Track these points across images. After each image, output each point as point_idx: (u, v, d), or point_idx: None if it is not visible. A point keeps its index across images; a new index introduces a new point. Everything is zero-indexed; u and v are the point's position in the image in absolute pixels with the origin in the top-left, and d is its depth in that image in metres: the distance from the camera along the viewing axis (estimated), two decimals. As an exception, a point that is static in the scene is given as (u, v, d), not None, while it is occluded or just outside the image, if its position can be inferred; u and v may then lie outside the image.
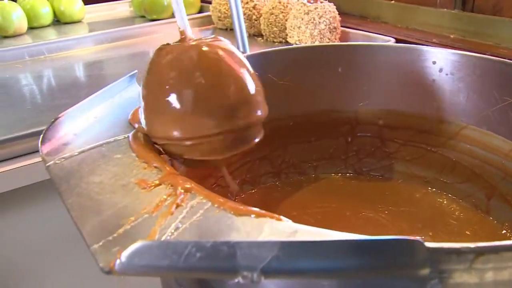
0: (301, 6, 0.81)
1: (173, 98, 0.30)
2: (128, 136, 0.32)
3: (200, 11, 1.21)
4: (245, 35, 0.75)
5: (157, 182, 0.26)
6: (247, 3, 0.95)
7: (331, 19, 0.80)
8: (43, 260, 0.63)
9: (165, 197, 0.25)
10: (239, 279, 0.18)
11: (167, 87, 0.30)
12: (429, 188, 0.49)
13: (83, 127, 0.33)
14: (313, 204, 0.48)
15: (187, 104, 0.30)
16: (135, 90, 0.40)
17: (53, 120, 0.33)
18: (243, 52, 0.60)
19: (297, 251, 0.18)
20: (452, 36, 0.79)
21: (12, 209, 0.59)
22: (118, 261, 0.20)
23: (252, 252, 0.18)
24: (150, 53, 0.93)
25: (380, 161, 0.52)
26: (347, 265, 0.18)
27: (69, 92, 0.73)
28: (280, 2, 0.88)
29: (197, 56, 0.30)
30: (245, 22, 0.80)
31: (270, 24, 0.89)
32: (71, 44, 0.97)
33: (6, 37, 1.06)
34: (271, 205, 0.48)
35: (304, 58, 0.49)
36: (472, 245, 0.18)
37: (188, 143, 0.30)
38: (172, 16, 1.15)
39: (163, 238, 0.21)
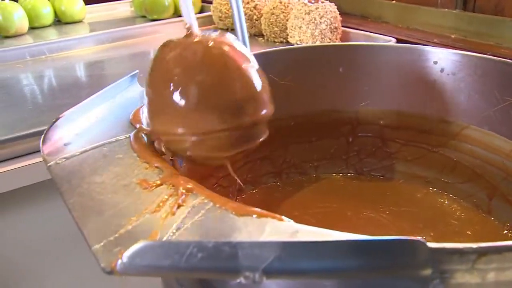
0: (302, 6, 0.81)
1: (177, 94, 0.29)
2: (130, 136, 0.32)
3: (201, 11, 1.21)
4: (246, 35, 0.75)
5: (158, 182, 0.26)
6: (248, 3, 0.95)
7: (332, 19, 0.80)
8: (43, 260, 0.63)
9: (166, 197, 0.25)
10: (241, 280, 0.18)
11: (171, 82, 0.30)
12: (430, 188, 0.49)
13: (84, 127, 0.33)
14: (314, 204, 0.48)
15: (191, 100, 0.29)
16: (136, 90, 0.40)
17: (54, 120, 0.33)
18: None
19: (299, 251, 0.18)
20: (453, 36, 0.79)
21: (13, 209, 0.59)
22: (119, 261, 0.20)
23: (254, 252, 0.18)
24: (151, 53, 0.94)
25: (381, 161, 0.52)
26: (349, 265, 0.18)
27: (70, 92, 0.73)
28: (281, 2, 0.88)
29: (202, 51, 0.30)
30: (246, 22, 0.80)
31: (271, 24, 0.89)
32: (72, 44, 0.97)
33: (7, 37, 1.06)
34: (272, 205, 0.48)
35: (305, 58, 0.49)
36: (474, 245, 0.18)
37: (192, 139, 0.30)
38: (173, 16, 1.15)
39: (164, 238, 0.21)
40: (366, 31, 0.88)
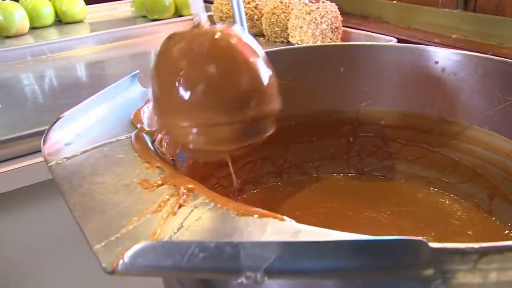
0: (303, 6, 0.81)
1: (182, 85, 0.29)
2: (130, 136, 0.32)
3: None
4: (247, 35, 0.75)
5: (159, 182, 0.26)
6: (248, 3, 0.95)
7: (333, 19, 0.80)
8: (44, 260, 0.63)
9: (167, 197, 0.25)
10: (242, 280, 0.18)
11: (177, 73, 0.29)
12: (431, 188, 0.49)
13: (85, 127, 0.33)
14: (315, 204, 0.48)
15: (196, 92, 0.29)
16: (137, 90, 0.40)
17: (55, 120, 0.33)
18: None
19: (300, 251, 0.18)
20: (454, 36, 0.79)
21: (13, 209, 0.59)
22: (121, 261, 0.20)
23: (256, 252, 0.18)
24: (152, 53, 0.94)
25: (382, 161, 0.52)
26: (350, 265, 0.18)
27: (71, 92, 0.73)
28: (281, 2, 0.88)
29: (209, 43, 0.29)
30: (246, 22, 0.80)
31: (272, 24, 0.89)
32: (73, 44, 0.97)
33: (8, 37, 1.06)
34: (273, 205, 0.48)
35: (305, 58, 0.49)
36: (476, 245, 0.18)
37: (196, 131, 0.29)
38: (174, 16, 1.15)
39: (166, 238, 0.21)
40: (367, 31, 0.88)
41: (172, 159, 0.33)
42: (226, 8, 0.99)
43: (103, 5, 1.33)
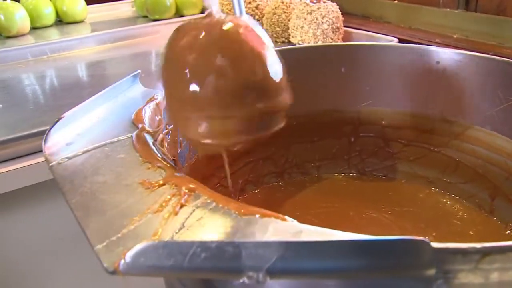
0: (304, 6, 0.81)
1: (191, 76, 0.28)
2: (132, 136, 0.32)
3: (203, 11, 1.21)
4: (248, 35, 0.75)
5: (161, 182, 0.26)
6: (249, 3, 0.95)
7: (334, 19, 0.80)
8: (44, 260, 0.63)
9: (169, 197, 0.25)
10: (244, 280, 0.18)
11: (185, 64, 0.29)
12: (433, 188, 0.49)
13: (86, 127, 0.33)
14: (316, 204, 0.48)
15: (205, 84, 0.28)
16: (138, 90, 0.40)
17: (56, 120, 0.33)
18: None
19: (302, 251, 0.18)
20: (455, 36, 0.79)
21: (14, 209, 0.59)
22: (122, 261, 0.20)
23: (258, 252, 0.18)
24: (153, 53, 0.94)
25: (383, 161, 0.52)
26: (352, 265, 0.17)
27: (72, 92, 0.73)
28: (282, 2, 0.88)
29: (218, 33, 0.29)
30: (247, 22, 0.79)
31: (273, 24, 0.89)
32: (73, 44, 0.97)
33: (9, 37, 1.06)
34: (274, 205, 0.48)
35: (306, 58, 0.49)
36: (478, 245, 0.18)
37: (204, 123, 0.29)
38: (175, 16, 1.15)
39: (167, 238, 0.21)
40: (368, 31, 0.88)
41: (173, 159, 0.33)
42: (227, 8, 0.99)
43: (104, 5, 1.33)
